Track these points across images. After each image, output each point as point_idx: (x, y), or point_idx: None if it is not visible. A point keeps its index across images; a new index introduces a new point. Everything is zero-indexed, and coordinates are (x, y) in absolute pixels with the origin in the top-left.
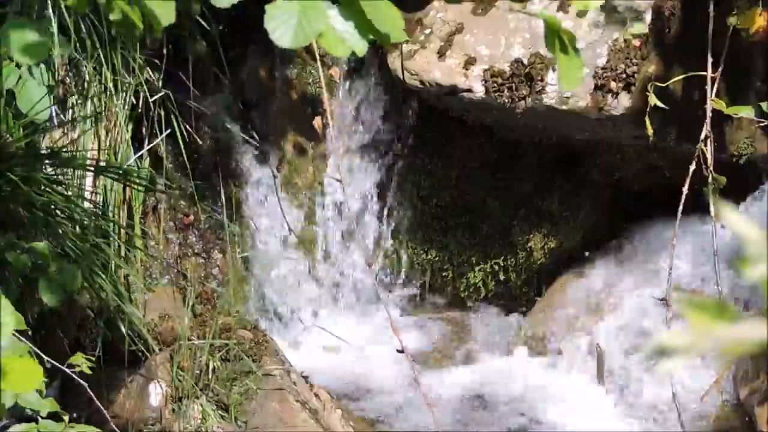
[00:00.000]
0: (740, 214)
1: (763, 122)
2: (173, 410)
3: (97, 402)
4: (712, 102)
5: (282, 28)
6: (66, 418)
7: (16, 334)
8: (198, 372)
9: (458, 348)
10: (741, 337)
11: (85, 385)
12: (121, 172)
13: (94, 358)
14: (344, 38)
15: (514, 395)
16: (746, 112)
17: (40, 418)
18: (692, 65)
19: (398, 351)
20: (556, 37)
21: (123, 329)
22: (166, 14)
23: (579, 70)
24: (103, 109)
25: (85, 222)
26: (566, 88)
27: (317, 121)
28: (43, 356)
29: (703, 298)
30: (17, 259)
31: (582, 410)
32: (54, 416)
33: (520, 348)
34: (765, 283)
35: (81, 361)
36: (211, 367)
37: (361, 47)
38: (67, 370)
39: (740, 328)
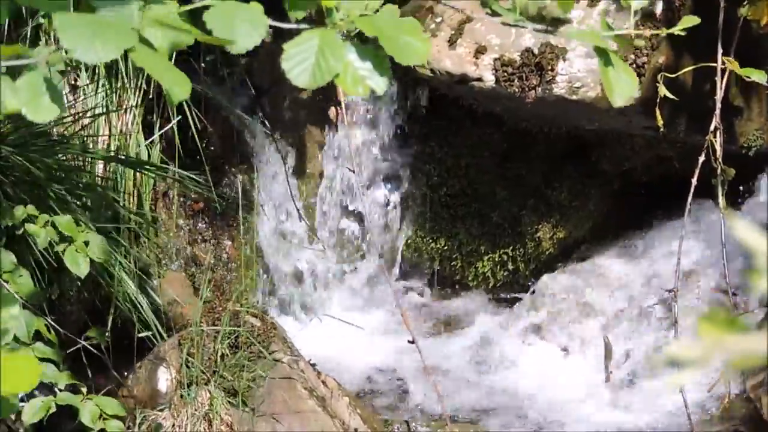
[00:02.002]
0: (747, 221)
1: None
2: (182, 396)
3: (115, 372)
4: (727, 62)
5: (299, 68)
6: (84, 389)
7: (32, 307)
8: (207, 358)
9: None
10: (750, 350)
11: (104, 357)
12: (130, 159)
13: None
14: (363, 77)
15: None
16: (759, 76)
17: (57, 391)
18: (702, 56)
19: (409, 342)
20: (603, 55)
21: (133, 315)
22: (181, 91)
23: (632, 83)
24: (115, 95)
25: (97, 206)
26: (619, 103)
27: (332, 111)
28: (59, 329)
29: (714, 309)
30: (38, 232)
31: (587, 397)
32: (70, 389)
33: (525, 335)
34: None
35: (96, 334)
36: (219, 353)
37: (382, 85)
38: (83, 342)
39: (750, 340)
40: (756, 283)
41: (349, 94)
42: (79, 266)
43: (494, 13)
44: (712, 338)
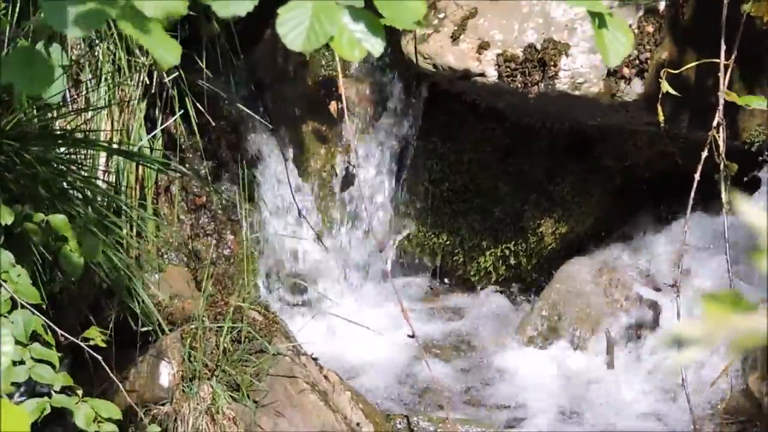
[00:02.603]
0: (753, 205)
1: None
2: (184, 390)
3: (112, 375)
4: (725, 95)
5: (294, 32)
6: (79, 392)
7: (30, 307)
8: (209, 352)
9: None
10: (755, 328)
11: (100, 358)
12: (133, 152)
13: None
14: (359, 39)
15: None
16: (758, 102)
17: (53, 393)
18: (705, 52)
19: (409, 336)
20: (597, 17)
21: (135, 309)
22: (171, 57)
23: (626, 41)
24: (117, 89)
25: (99, 201)
26: (614, 63)
27: (333, 106)
28: (57, 330)
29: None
30: (36, 232)
31: (588, 392)
32: (66, 391)
33: (528, 332)
34: None
35: (95, 335)
36: (222, 347)
37: (378, 47)
38: (81, 344)
39: (755, 319)
40: (760, 263)
41: (345, 59)
42: (73, 266)
43: None
44: (716, 317)
